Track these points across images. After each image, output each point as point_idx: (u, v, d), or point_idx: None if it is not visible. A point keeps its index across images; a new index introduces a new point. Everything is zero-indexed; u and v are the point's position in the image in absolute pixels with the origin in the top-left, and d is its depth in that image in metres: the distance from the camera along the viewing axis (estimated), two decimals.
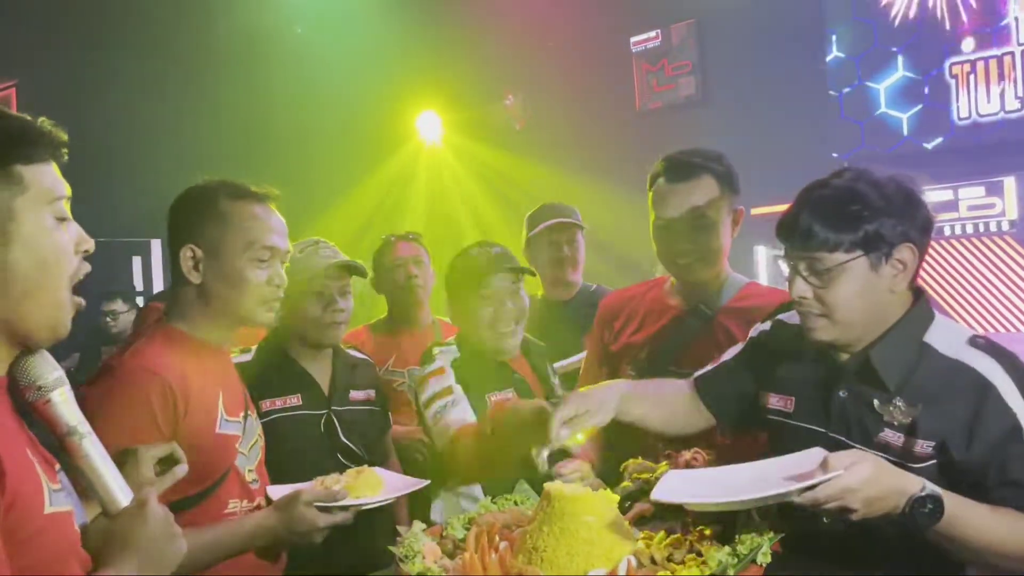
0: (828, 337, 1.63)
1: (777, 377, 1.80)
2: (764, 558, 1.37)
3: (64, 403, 1.19)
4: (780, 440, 1.79)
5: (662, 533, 1.51)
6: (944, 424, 1.53)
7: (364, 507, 1.78)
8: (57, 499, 1.12)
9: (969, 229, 4.84)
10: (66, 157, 1.18)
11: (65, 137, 1.18)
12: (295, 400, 2.32)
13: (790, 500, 1.38)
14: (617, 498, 1.57)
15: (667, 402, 1.93)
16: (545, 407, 1.74)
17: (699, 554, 1.40)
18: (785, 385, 1.78)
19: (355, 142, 7.02)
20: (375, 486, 1.85)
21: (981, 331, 4.60)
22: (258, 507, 1.82)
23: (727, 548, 1.38)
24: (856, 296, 1.57)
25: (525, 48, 6.78)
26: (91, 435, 1.20)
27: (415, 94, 7.20)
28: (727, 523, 1.48)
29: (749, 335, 1.94)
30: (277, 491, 1.84)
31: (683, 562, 1.40)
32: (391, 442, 2.67)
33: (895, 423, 1.58)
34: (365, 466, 1.94)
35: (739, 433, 2.00)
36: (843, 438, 1.66)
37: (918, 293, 1.67)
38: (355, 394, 2.46)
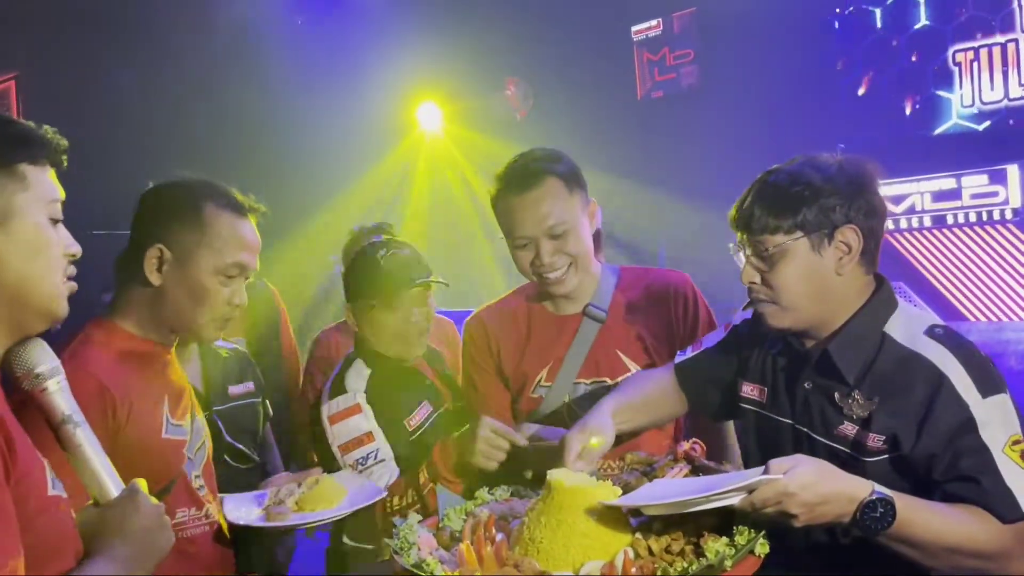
0: (781, 323, 1.62)
1: (751, 366, 1.80)
2: (762, 549, 1.37)
3: (59, 392, 1.22)
4: (752, 430, 1.79)
5: (659, 524, 1.51)
6: (896, 418, 1.51)
7: (319, 523, 1.71)
8: (57, 484, 1.17)
9: (972, 217, 4.82)
10: (66, 163, 1.26)
11: (66, 144, 1.25)
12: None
13: (731, 504, 1.35)
14: (617, 490, 1.55)
15: (653, 403, 1.93)
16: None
17: (697, 546, 1.39)
18: (758, 375, 1.78)
19: (355, 133, 6.99)
20: (332, 498, 1.77)
21: (984, 320, 4.59)
22: (206, 515, 1.72)
23: (724, 539, 1.37)
24: (800, 279, 1.57)
25: (526, 37, 6.74)
26: (85, 425, 1.23)
27: (415, 85, 7.16)
28: (724, 516, 1.47)
29: (732, 323, 1.92)
30: (232, 500, 1.80)
31: (681, 553, 1.39)
32: (271, 434, 2.58)
33: (853, 416, 1.57)
34: (323, 474, 1.85)
35: (717, 421, 2.03)
36: (807, 430, 1.65)
37: (880, 281, 1.66)
38: (234, 389, 2.31)
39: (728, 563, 1.31)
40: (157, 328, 1.69)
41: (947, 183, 4.88)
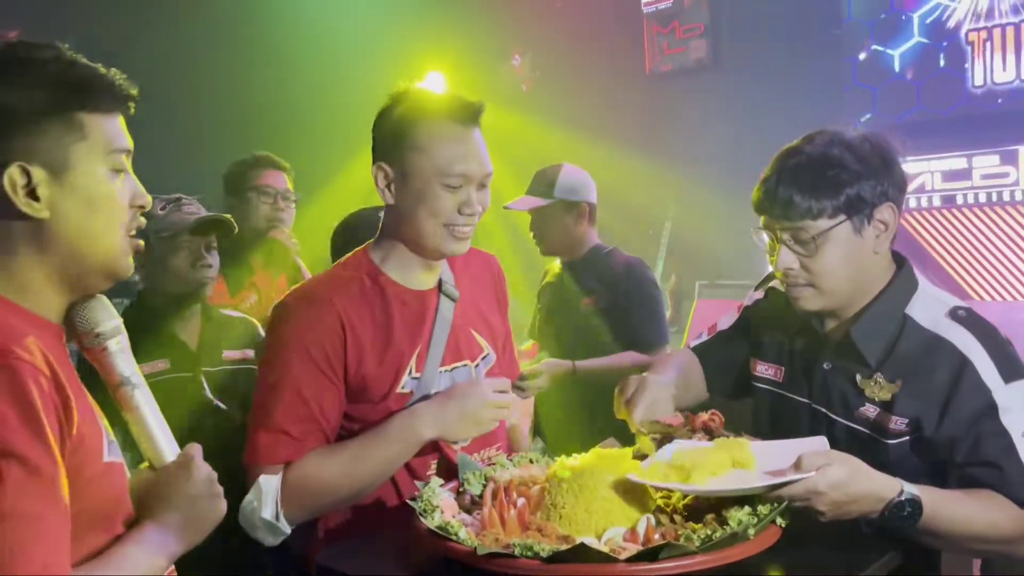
0: (815, 306, 1.61)
1: (767, 345, 1.79)
2: (783, 519, 1.37)
3: (120, 352, 1.20)
4: (766, 409, 1.79)
5: (679, 492, 1.51)
6: (920, 401, 1.51)
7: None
8: (113, 449, 1.15)
9: (982, 198, 4.79)
10: (133, 110, 1.19)
11: (134, 91, 1.18)
12: (163, 364, 2.23)
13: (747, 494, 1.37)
14: (636, 463, 1.55)
15: (691, 384, 1.90)
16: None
17: (719, 514, 1.39)
18: (775, 354, 1.77)
19: (360, 105, 6.92)
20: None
21: (996, 300, 4.59)
22: None
23: (747, 508, 1.37)
24: (842, 262, 1.55)
25: (533, 8, 6.67)
26: (143, 387, 1.21)
27: (420, 55, 7.10)
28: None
29: (744, 304, 1.92)
30: None
31: (702, 522, 1.39)
32: None
33: (875, 398, 1.57)
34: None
35: (730, 399, 1.97)
36: (825, 410, 1.65)
37: (901, 261, 1.65)
38: (230, 353, 2.36)
39: (751, 532, 1.31)
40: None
41: (958, 163, 4.84)
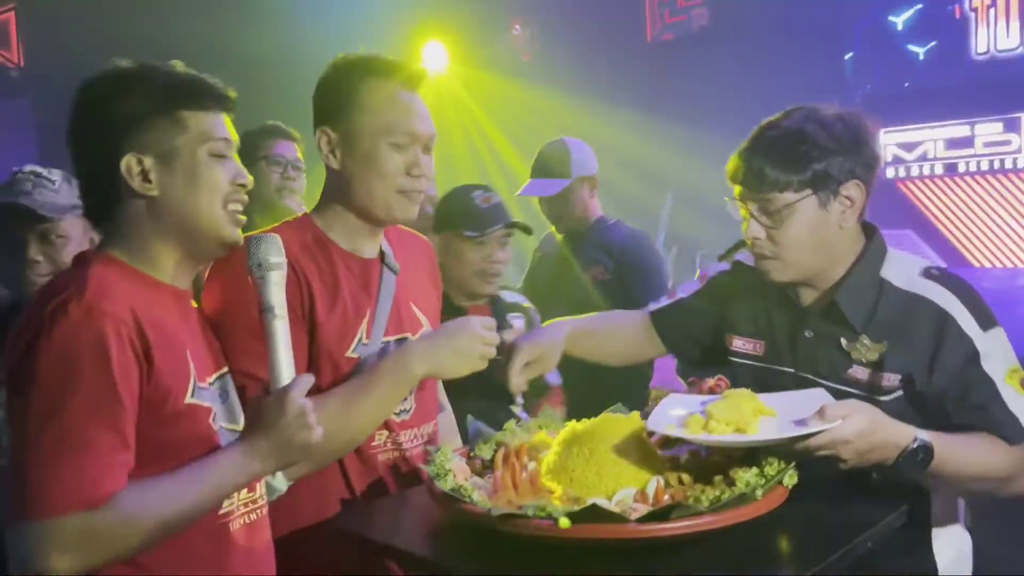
0: (783, 278, 1.68)
1: (742, 320, 1.84)
2: (791, 480, 1.39)
3: (268, 284, 1.41)
4: (750, 382, 1.81)
5: (688, 455, 1.53)
6: (908, 356, 1.59)
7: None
8: (200, 395, 1.36)
9: (984, 166, 4.79)
10: (234, 107, 1.46)
11: (232, 94, 1.46)
12: None
13: (778, 446, 1.41)
14: (642, 423, 1.58)
15: (618, 336, 1.98)
16: None
17: (726, 475, 1.42)
18: (752, 328, 1.82)
19: None
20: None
21: (1000, 266, 4.60)
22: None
23: (755, 469, 1.39)
24: (806, 235, 1.62)
25: None
26: (284, 319, 1.40)
27: (420, 26, 7.04)
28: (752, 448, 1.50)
29: (706, 274, 1.95)
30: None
31: (711, 483, 1.42)
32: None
33: (863, 360, 1.63)
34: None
35: (699, 369, 2.00)
36: (812, 376, 1.69)
37: (871, 230, 1.71)
38: None
39: (759, 492, 1.33)
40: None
41: (960, 131, 4.84)
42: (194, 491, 1.28)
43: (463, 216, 2.42)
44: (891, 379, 1.60)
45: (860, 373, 1.63)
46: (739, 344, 1.83)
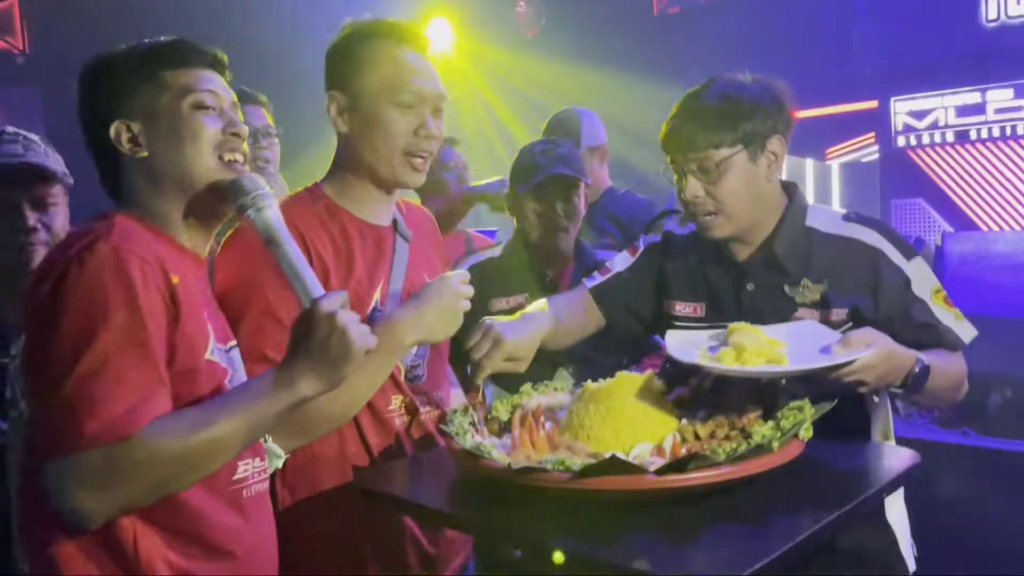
0: (725, 232, 1.80)
1: (680, 286, 1.94)
2: (806, 433, 1.40)
3: (257, 218, 1.34)
4: None
5: (703, 413, 1.55)
6: (850, 291, 1.77)
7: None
8: (220, 355, 1.38)
9: (996, 132, 4.76)
10: (223, 61, 1.47)
11: (220, 55, 1.47)
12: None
13: (811, 374, 1.51)
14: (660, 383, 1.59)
15: (571, 326, 1.97)
16: None
17: (742, 431, 1.43)
18: (690, 292, 1.92)
19: None
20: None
21: (1009, 229, 4.58)
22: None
23: (770, 423, 1.41)
24: (742, 187, 1.76)
25: None
26: (287, 244, 1.33)
27: (425, 2, 7.00)
28: (768, 404, 1.51)
29: (638, 246, 2.02)
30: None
31: (727, 438, 1.43)
32: None
33: (807, 302, 1.79)
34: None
35: (643, 337, 2.12)
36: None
37: (792, 188, 1.88)
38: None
39: (775, 444, 1.34)
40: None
41: (971, 97, 4.81)
42: (222, 417, 1.23)
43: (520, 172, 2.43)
44: (839, 313, 1.76)
45: (807, 314, 1.77)
46: (680, 308, 1.93)
